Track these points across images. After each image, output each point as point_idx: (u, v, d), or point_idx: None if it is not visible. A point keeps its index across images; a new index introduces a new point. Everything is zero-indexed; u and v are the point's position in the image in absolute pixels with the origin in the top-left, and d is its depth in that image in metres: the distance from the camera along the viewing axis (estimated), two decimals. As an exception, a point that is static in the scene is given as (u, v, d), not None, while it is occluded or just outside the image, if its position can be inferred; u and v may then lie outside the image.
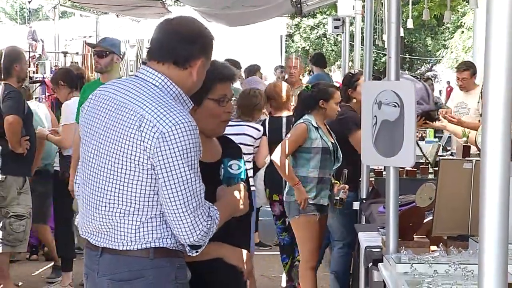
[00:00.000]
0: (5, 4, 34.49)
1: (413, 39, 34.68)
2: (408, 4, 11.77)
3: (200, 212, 3.02)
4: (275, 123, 7.65)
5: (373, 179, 6.49)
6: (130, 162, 3.04)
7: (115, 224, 3.11)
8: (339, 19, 10.38)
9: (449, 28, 31.94)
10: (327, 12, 27.48)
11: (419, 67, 37.87)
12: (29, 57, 11.05)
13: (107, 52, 6.87)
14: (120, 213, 3.09)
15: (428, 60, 37.15)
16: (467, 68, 10.11)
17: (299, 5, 11.82)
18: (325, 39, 34.81)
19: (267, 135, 7.42)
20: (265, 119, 7.80)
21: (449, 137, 9.60)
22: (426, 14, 10.47)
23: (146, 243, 3.09)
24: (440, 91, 27.16)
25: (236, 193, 3.27)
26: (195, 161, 3.00)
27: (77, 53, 15.37)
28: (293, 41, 35.18)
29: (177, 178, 2.98)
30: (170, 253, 3.11)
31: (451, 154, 7.93)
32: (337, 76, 23.18)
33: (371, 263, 4.11)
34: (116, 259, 3.13)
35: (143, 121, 3.01)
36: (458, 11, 23.94)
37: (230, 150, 3.42)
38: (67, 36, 16.80)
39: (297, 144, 6.43)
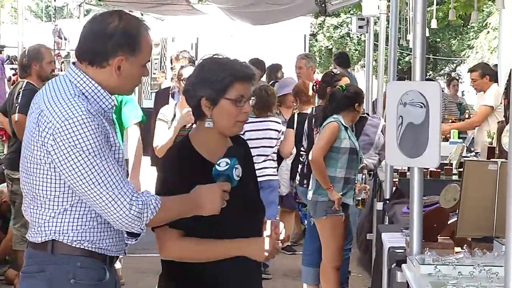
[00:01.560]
0: (30, 1, 34.70)
1: (437, 39, 34.51)
2: (433, 4, 11.71)
3: (120, 194, 2.99)
4: (304, 118, 7.86)
5: (396, 179, 6.47)
6: (33, 157, 3.08)
7: (31, 218, 3.17)
8: (363, 19, 10.35)
9: (473, 28, 31.75)
10: (351, 12, 27.41)
11: (443, 67, 37.68)
12: (54, 54, 11.10)
13: None
14: (30, 208, 3.16)
15: (452, 61, 36.94)
16: (475, 69, 10.07)
17: (323, 5, 11.80)
18: (348, 38, 34.72)
19: (296, 129, 7.84)
20: (293, 114, 8.09)
21: (473, 138, 9.57)
22: (452, 14, 10.41)
23: (45, 236, 3.11)
24: (463, 91, 26.99)
25: (208, 191, 3.18)
26: (96, 148, 2.98)
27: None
28: (316, 40, 35.11)
29: (79, 168, 2.97)
30: (72, 250, 3.11)
31: (476, 155, 7.88)
32: (360, 76, 23.11)
33: (394, 264, 4.09)
34: (28, 252, 3.21)
35: (41, 115, 3.05)
36: (483, 11, 23.78)
37: (227, 150, 3.35)
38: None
39: (330, 143, 6.43)
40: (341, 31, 34.42)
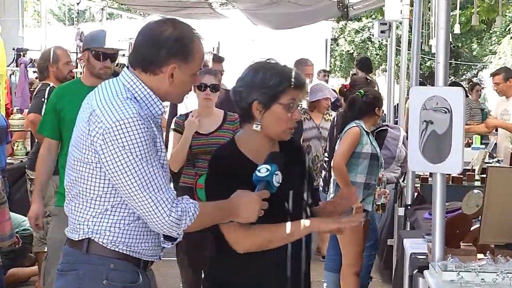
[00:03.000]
0: (53, 5, 34.87)
1: (459, 44, 34.34)
2: (456, 9, 11.65)
3: (162, 199, 3.03)
4: None
5: (418, 185, 6.45)
6: (80, 155, 3.12)
7: (71, 215, 3.22)
8: (385, 24, 10.31)
9: (496, 33, 31.56)
10: (373, 16, 27.34)
11: (465, 72, 37.46)
12: (77, 58, 11.15)
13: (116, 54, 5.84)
14: (72, 204, 3.21)
15: (474, 66, 36.72)
16: (498, 72, 10.00)
17: (345, 9, 11.79)
18: (369, 42, 34.60)
19: None
20: None
21: (495, 143, 9.51)
22: (475, 19, 10.35)
23: (83, 234, 3.15)
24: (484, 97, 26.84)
25: (248, 200, 3.22)
26: (144, 152, 3.01)
27: (123, 55, 15.46)
28: (337, 44, 35.02)
29: (125, 170, 3.00)
30: (107, 252, 3.15)
31: (498, 161, 7.84)
32: (381, 81, 23.02)
33: (416, 270, 4.07)
34: (65, 249, 3.27)
35: (93, 115, 3.09)
36: (506, 16, 23.65)
37: (268, 156, 3.38)
38: (113, 37, 16.92)
39: (352, 149, 6.39)
40: (362, 35, 34.31)
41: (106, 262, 3.15)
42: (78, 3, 13.85)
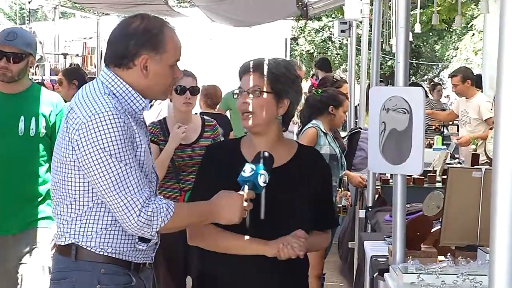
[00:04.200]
0: (4, 4, 34.35)
1: (421, 44, 34.58)
2: (416, 8, 11.67)
3: (133, 200, 2.97)
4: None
5: (379, 186, 6.41)
6: (61, 156, 3.09)
7: (57, 219, 3.18)
8: (345, 23, 10.28)
9: (456, 31, 31.83)
10: (333, 16, 27.42)
11: (427, 72, 37.71)
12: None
13: (23, 55, 4.91)
14: (58, 209, 3.16)
15: (436, 66, 36.97)
16: (456, 74, 10.03)
17: (305, 8, 11.75)
18: (330, 42, 34.73)
19: None
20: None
21: (457, 144, 9.54)
22: (436, 18, 10.37)
23: (69, 238, 3.11)
24: (447, 96, 27.04)
25: (229, 201, 3.18)
26: (118, 149, 2.97)
27: (77, 55, 15.31)
28: (297, 44, 35.09)
29: (96, 167, 2.96)
30: (95, 257, 3.11)
31: (459, 162, 7.86)
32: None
33: (376, 273, 4.04)
34: (55, 258, 3.25)
35: (71, 112, 3.07)
36: (466, 14, 23.83)
37: (256, 155, 3.32)
38: (66, 37, 16.69)
39: None
40: (322, 35, 34.41)
41: (96, 268, 3.10)
42: (29, 2, 13.64)
